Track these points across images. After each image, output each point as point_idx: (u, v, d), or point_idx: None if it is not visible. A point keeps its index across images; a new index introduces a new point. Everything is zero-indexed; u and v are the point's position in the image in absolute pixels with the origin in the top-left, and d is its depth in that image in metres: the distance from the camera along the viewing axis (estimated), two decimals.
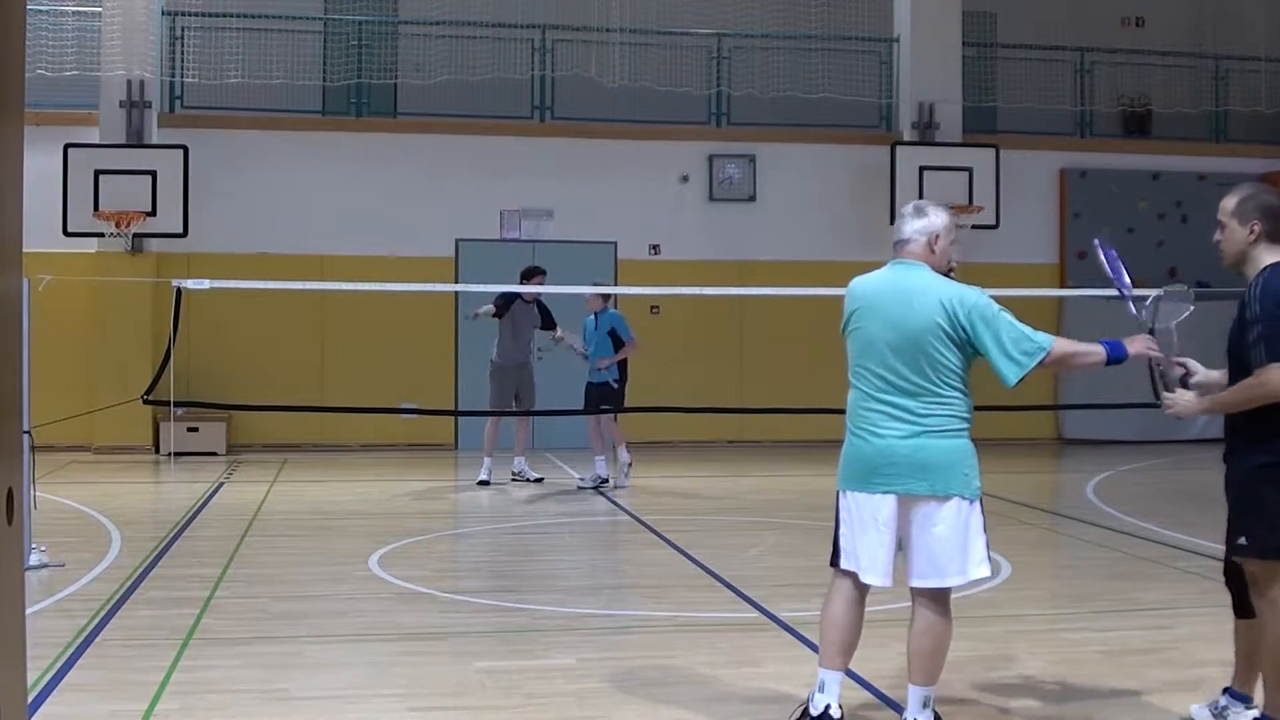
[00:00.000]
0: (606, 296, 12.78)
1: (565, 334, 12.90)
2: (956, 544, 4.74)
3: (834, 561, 4.93)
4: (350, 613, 7.17)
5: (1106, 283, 5.50)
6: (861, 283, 5.01)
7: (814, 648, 5.72)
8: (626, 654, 6.33)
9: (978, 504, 4.82)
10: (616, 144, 16.61)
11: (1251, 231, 4.70)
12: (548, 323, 13.00)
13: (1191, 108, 17.99)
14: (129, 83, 15.16)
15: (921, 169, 16.45)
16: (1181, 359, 5.08)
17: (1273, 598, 4.60)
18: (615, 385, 12.49)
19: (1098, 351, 4.88)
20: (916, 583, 4.79)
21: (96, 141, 15.16)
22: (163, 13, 15.73)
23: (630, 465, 12.68)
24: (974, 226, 16.53)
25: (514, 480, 12.96)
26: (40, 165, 13.66)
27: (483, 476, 12.76)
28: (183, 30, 15.93)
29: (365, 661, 6.13)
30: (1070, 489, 13.67)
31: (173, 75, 15.86)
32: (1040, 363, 4.74)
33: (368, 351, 15.96)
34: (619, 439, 12.73)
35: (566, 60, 16.60)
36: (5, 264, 2.27)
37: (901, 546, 4.81)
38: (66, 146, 14.60)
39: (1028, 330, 4.75)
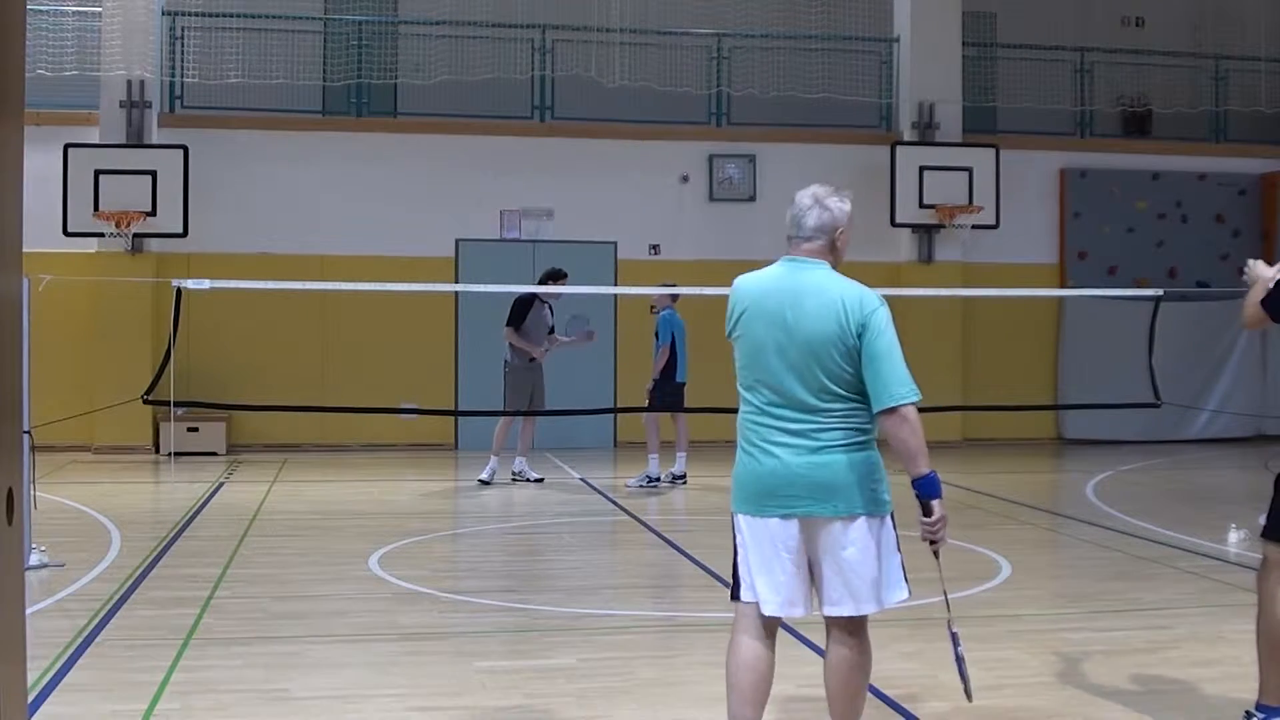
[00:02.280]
0: (674, 297, 12.73)
1: (558, 337, 13.01)
2: (869, 567, 4.26)
3: (735, 594, 4.41)
4: (350, 613, 7.17)
5: (1106, 283, 5.57)
6: (749, 281, 4.47)
7: (816, 648, 5.74)
8: (626, 654, 6.33)
9: (889, 520, 4.34)
10: (616, 144, 16.61)
11: None
12: (552, 328, 13.02)
13: (1191, 108, 17.98)
14: (129, 83, 15.16)
15: (921, 169, 16.46)
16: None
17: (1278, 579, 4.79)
18: (652, 387, 12.56)
19: (925, 453, 4.23)
20: (829, 611, 4.33)
21: (96, 141, 15.15)
22: (163, 13, 15.72)
23: (677, 477, 12.70)
24: (974, 226, 16.54)
25: (514, 480, 12.96)
26: (40, 165, 13.65)
27: (484, 476, 12.75)
28: (183, 30, 15.92)
29: (365, 661, 6.13)
30: (1070, 489, 13.67)
31: (173, 75, 15.85)
32: (903, 405, 4.18)
33: (368, 351, 15.95)
34: (668, 443, 12.77)
35: (566, 60, 16.59)
36: (5, 264, 2.27)
37: (812, 572, 4.34)
38: (66, 146, 14.59)
39: (908, 373, 4.26)
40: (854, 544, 4.25)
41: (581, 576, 8.73)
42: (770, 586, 4.32)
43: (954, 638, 4.49)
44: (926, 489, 4.26)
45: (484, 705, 5.42)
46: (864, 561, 4.26)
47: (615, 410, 16.04)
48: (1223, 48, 18.08)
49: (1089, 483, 13.19)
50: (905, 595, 4.38)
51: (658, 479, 12.61)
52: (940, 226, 16.60)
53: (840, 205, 4.43)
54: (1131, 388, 13.86)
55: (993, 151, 16.62)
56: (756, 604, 4.35)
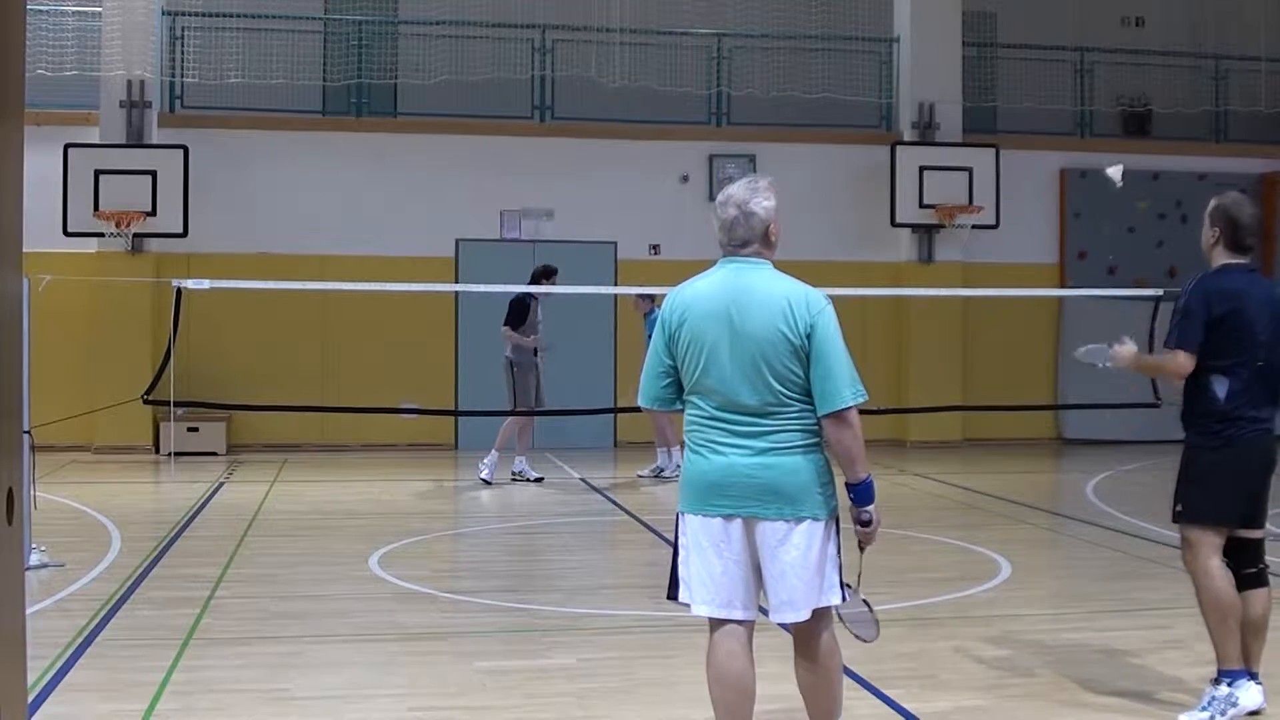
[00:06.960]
0: (651, 298, 12.76)
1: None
2: (812, 571, 4.19)
3: (671, 594, 4.39)
4: (350, 613, 7.17)
5: (1106, 283, 5.83)
6: (689, 287, 4.34)
7: None
8: (626, 654, 6.34)
9: (833, 523, 4.26)
10: (616, 144, 16.61)
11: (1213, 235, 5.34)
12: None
13: (1191, 108, 17.98)
14: (129, 83, 15.16)
15: (921, 169, 16.46)
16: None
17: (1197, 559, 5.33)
18: None
19: (864, 458, 4.23)
20: (774, 618, 4.29)
21: (96, 141, 15.16)
22: (163, 13, 15.72)
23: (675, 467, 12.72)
24: (974, 226, 16.55)
25: (514, 480, 12.95)
26: (40, 165, 13.65)
27: (485, 476, 12.73)
28: (183, 30, 15.92)
29: (365, 661, 6.14)
30: (1070, 489, 13.67)
31: (173, 75, 15.85)
32: (847, 407, 4.14)
33: (368, 351, 15.95)
34: (671, 438, 12.82)
35: (566, 60, 16.59)
36: (5, 264, 2.27)
37: (760, 575, 4.27)
38: (66, 146, 14.60)
39: (855, 374, 4.20)
40: (796, 548, 4.18)
41: (581, 576, 8.73)
42: (708, 586, 4.27)
43: (858, 598, 4.47)
44: (864, 496, 4.25)
45: (484, 705, 5.42)
46: (804, 566, 4.18)
47: (615, 410, 16.03)
48: (1223, 48, 18.08)
49: (1089, 483, 13.19)
50: (840, 600, 4.31)
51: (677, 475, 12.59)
52: (940, 226, 16.60)
53: (765, 204, 4.28)
54: (1131, 388, 13.84)
55: (993, 151, 16.62)
56: (727, 618, 4.27)
